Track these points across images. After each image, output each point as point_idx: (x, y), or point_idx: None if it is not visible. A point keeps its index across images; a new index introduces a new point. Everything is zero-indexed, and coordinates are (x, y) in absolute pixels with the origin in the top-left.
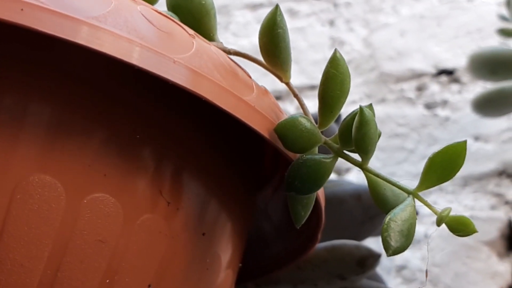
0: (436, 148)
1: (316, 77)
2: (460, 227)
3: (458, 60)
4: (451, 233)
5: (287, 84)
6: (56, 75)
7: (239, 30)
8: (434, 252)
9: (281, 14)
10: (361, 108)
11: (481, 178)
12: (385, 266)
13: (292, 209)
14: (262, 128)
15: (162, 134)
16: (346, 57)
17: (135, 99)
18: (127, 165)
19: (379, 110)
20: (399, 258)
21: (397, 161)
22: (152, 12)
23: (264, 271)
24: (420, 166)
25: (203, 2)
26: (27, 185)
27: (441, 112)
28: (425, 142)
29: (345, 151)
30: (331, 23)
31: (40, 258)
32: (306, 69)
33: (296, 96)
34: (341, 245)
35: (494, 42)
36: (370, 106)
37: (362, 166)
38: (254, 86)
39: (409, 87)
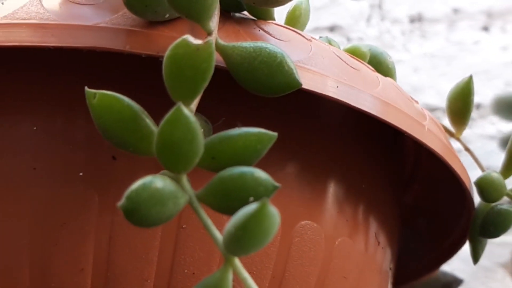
0: None
1: None
2: None
3: None
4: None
5: (458, 139)
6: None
7: None
8: (456, 272)
9: (473, 83)
10: None
11: None
12: None
13: (475, 250)
14: (465, 177)
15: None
16: None
17: (367, 144)
18: (358, 211)
19: None
20: None
21: None
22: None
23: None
24: None
25: (390, 67)
26: (301, 230)
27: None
28: None
29: None
30: None
31: None
32: None
33: (467, 150)
34: None
35: (499, 84)
36: None
37: None
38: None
39: None
